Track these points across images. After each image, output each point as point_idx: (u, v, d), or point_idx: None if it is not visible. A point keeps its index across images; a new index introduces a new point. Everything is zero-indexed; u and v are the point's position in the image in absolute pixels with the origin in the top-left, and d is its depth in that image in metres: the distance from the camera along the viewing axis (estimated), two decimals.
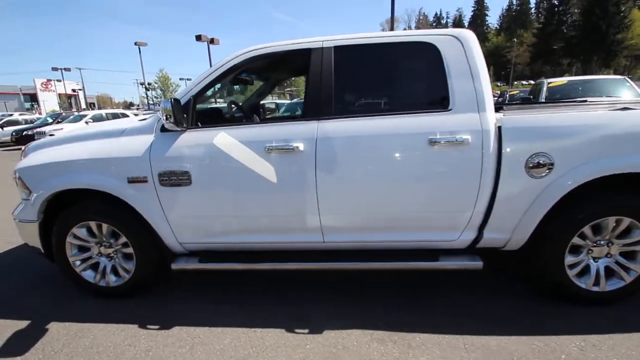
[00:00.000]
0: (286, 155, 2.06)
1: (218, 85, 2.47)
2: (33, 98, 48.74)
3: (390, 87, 2.19)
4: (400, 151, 2.01)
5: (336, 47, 2.10)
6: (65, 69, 43.41)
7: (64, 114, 18.51)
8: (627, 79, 6.94)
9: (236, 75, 2.33)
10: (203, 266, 2.28)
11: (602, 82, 6.99)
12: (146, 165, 2.13)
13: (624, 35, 43.08)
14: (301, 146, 2.03)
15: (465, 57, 2.02)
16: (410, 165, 2.01)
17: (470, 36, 2.06)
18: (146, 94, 37.89)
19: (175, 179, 2.13)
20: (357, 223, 2.16)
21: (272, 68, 2.93)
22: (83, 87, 50.45)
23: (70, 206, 2.34)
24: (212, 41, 23.11)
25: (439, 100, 2.04)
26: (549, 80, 7.45)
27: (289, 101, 13.69)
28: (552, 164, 1.92)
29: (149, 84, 36.73)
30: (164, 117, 2.02)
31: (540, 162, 1.93)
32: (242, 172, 2.08)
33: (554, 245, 2.08)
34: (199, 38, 22.43)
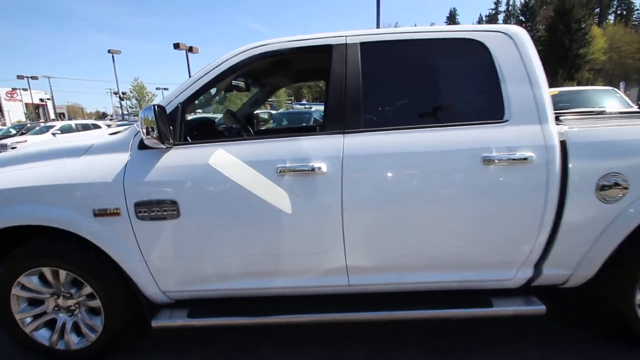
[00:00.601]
0: (304, 179, 1.61)
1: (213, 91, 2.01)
2: None
3: (431, 94, 1.79)
4: (448, 172, 1.62)
5: (363, 44, 1.70)
6: (32, 77, 41.16)
7: (29, 124, 17.22)
8: (616, 90, 7.01)
9: (235, 77, 1.88)
10: (194, 322, 1.77)
11: (592, 93, 7.01)
12: (119, 194, 1.63)
13: (586, 50, 45.77)
14: (323, 167, 1.60)
15: (520, 57, 1.66)
16: (460, 189, 1.62)
17: (522, 33, 1.71)
18: (120, 103, 36.30)
19: (157, 210, 1.63)
20: (392, 261, 1.74)
21: (279, 69, 2.49)
22: (52, 96, 47.92)
23: (17, 247, 1.78)
24: (190, 49, 22.44)
25: (491, 110, 1.66)
26: None
27: (273, 111, 13.17)
28: (627, 186, 1.59)
29: (123, 93, 35.25)
30: (144, 131, 1.53)
31: (614, 183, 1.59)
32: (246, 200, 1.62)
33: (623, 280, 1.74)
34: (177, 46, 21.70)
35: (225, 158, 1.64)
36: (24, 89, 44.26)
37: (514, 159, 1.58)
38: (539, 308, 1.76)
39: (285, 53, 1.74)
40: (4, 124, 31.26)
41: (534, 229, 1.66)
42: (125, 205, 1.63)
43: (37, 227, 1.70)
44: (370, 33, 1.72)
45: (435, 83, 1.78)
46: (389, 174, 1.62)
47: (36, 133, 13.44)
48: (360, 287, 1.81)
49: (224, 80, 1.78)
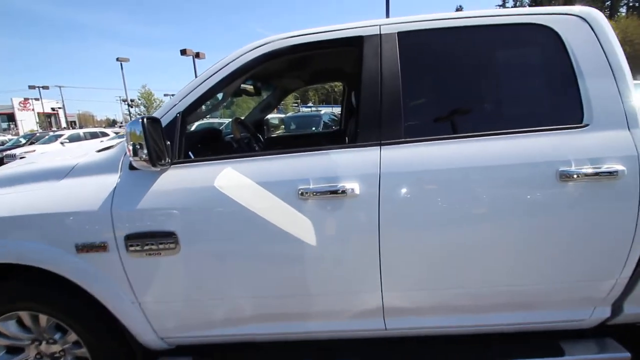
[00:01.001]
0: (331, 203, 1.30)
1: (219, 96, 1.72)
2: (10, 118, 46.71)
3: (489, 94, 1.46)
4: (514, 191, 1.28)
5: (402, 34, 1.38)
6: (43, 86, 41.87)
7: (38, 134, 17.31)
8: None
9: (245, 80, 1.58)
10: None
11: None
12: (106, 224, 1.34)
13: None
14: (356, 187, 1.28)
15: (599, 46, 1.33)
16: (530, 212, 1.28)
17: (600, 16, 1.37)
18: (129, 110, 36.59)
19: (153, 244, 1.33)
20: (439, 302, 1.41)
21: (297, 69, 2.17)
22: (63, 105, 48.70)
23: None
24: (197, 55, 22.38)
25: (567, 112, 1.33)
26: None
27: (282, 115, 12.80)
28: None
29: (131, 100, 35.52)
30: (130, 149, 1.22)
31: None
32: (261, 230, 1.32)
33: None
34: (183, 52, 21.65)
35: (234, 179, 1.33)
36: (36, 99, 45.04)
37: (599, 174, 1.24)
38: (623, 356, 1.41)
39: (305, 48, 1.43)
40: (17, 133, 31.74)
41: (620, 260, 1.33)
42: (113, 239, 1.34)
43: (10, 264, 1.41)
44: (409, 20, 1.40)
45: (494, 80, 1.44)
46: (438, 196, 1.29)
47: (45, 142, 13.41)
48: (398, 331, 1.48)
49: (232, 83, 1.47)
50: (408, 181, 1.29)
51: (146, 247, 1.34)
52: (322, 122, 9.41)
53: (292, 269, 1.36)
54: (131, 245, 1.34)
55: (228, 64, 1.42)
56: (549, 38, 1.34)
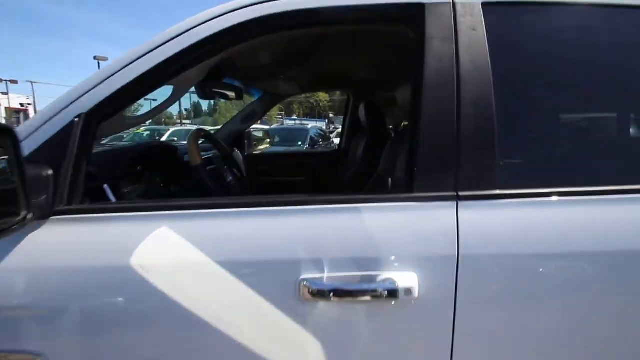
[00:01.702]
0: (365, 311, 0.67)
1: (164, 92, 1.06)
2: None
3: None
4: None
5: (489, 6, 0.79)
6: (11, 81, 39.39)
7: None
8: None
9: (216, 62, 0.95)
10: None
11: None
12: None
13: None
14: (414, 284, 0.65)
15: None
16: None
17: None
18: None
19: None
20: None
21: (304, 57, 1.48)
22: (34, 101, 46.04)
23: None
24: None
25: None
26: None
27: (265, 127, 11.98)
28: None
29: None
30: None
31: None
32: (222, 356, 0.66)
33: None
34: None
35: (171, 252, 0.68)
36: (4, 93, 42.51)
37: None
38: None
39: (324, 18, 0.81)
40: None
41: None
42: None
43: None
44: None
45: None
46: (574, 300, 0.69)
47: None
48: None
49: (189, 67, 0.82)
50: (514, 273, 0.67)
51: None
52: (309, 137, 8.84)
53: None
54: None
55: (190, 29, 0.77)
56: None
